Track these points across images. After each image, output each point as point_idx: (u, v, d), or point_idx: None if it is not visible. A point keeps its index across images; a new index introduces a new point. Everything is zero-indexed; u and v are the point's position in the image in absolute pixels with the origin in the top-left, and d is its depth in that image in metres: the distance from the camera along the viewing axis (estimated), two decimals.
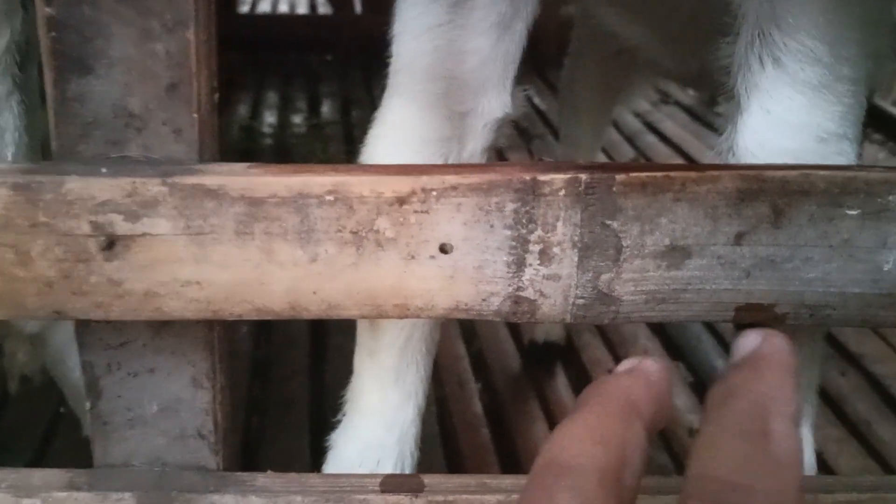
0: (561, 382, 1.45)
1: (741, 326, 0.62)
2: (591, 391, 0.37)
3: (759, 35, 0.57)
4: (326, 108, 2.64)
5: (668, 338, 1.56)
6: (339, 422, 0.75)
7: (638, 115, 2.48)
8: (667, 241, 0.50)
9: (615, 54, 1.17)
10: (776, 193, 0.50)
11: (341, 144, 2.38)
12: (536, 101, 2.57)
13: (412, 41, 0.64)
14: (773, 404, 0.34)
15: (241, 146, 2.32)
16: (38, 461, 1.26)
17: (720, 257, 0.51)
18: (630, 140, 2.39)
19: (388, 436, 0.71)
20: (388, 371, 0.71)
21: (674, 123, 2.50)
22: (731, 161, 0.60)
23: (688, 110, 2.60)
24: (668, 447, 1.32)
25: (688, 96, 2.63)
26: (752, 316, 0.53)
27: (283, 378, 1.46)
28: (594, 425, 0.34)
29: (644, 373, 0.38)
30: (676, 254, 0.51)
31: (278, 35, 3.05)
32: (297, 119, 2.57)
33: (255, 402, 1.38)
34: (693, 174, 0.49)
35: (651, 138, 2.41)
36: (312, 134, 2.44)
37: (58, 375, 0.93)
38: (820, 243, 0.51)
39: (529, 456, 1.33)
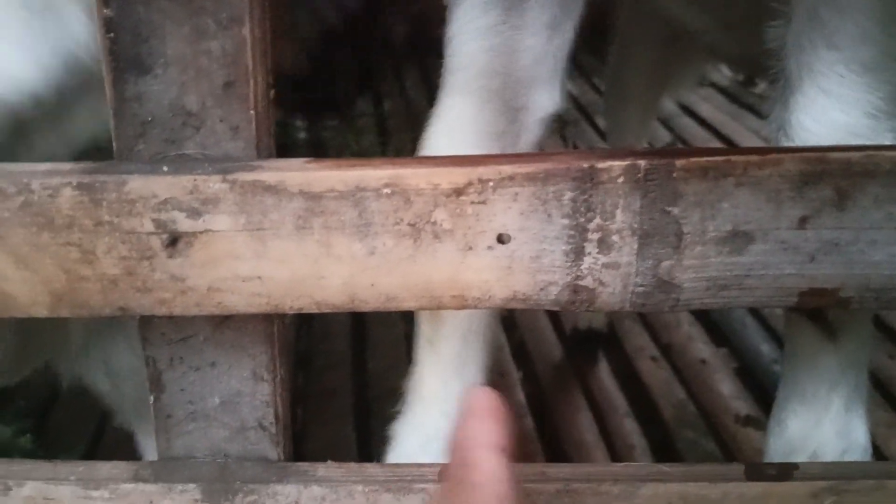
0: (604, 370, 1.45)
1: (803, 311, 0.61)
2: (451, 450, 0.42)
3: (813, 17, 0.57)
4: (359, 101, 2.65)
5: (712, 323, 1.55)
6: (395, 411, 0.75)
7: (674, 97, 2.44)
8: (729, 227, 0.50)
9: (666, 41, 1.16)
10: (840, 176, 0.49)
11: (374, 136, 2.39)
12: (569, 86, 2.55)
13: (469, 42, 0.66)
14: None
15: (275, 141, 2.33)
16: (88, 457, 1.29)
17: (783, 242, 0.50)
18: (665, 123, 2.36)
19: (449, 425, 0.72)
20: (449, 361, 0.71)
21: (710, 106, 2.46)
22: (783, 139, 0.60)
23: (724, 92, 2.56)
24: (716, 434, 1.30)
25: (724, 78, 2.58)
26: (815, 301, 0.52)
27: (324, 368, 1.47)
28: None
29: (481, 410, 0.42)
30: (739, 239, 0.50)
31: None
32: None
33: (297, 393, 1.39)
34: (755, 158, 0.48)
35: (687, 121, 2.37)
36: (345, 127, 2.44)
37: (95, 381, 0.94)
38: (886, 225, 0.50)
39: (574, 444, 1.33)
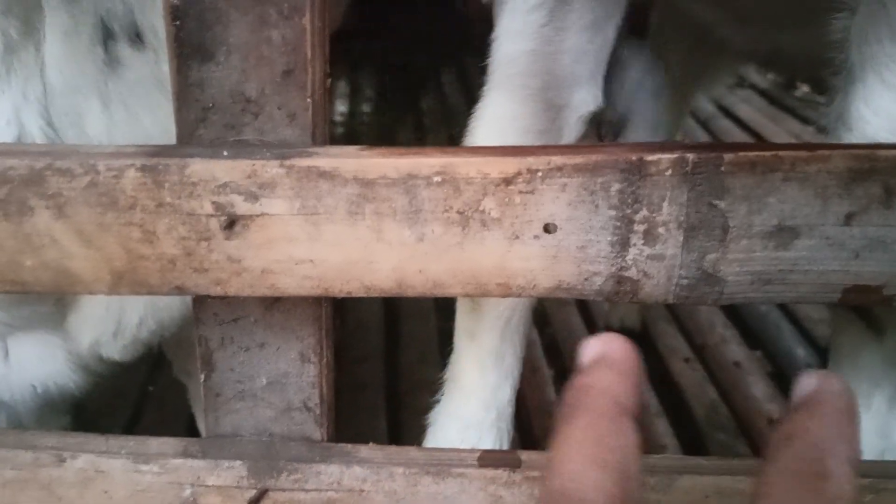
0: None
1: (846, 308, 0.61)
2: (576, 396, 0.36)
3: (880, 9, 0.58)
4: (395, 97, 2.67)
5: (747, 326, 1.54)
6: (434, 401, 0.77)
7: (712, 98, 2.43)
8: (775, 222, 0.50)
9: (698, 42, 1.16)
10: (888, 173, 0.49)
11: (410, 133, 2.41)
12: None
13: (513, 42, 0.68)
14: (831, 447, 0.35)
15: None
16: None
17: (829, 238, 0.50)
18: (704, 124, 2.35)
19: (486, 415, 0.73)
20: (488, 352, 0.73)
21: (749, 107, 2.44)
22: (841, 129, 0.60)
23: (764, 94, 2.54)
24: (748, 436, 1.30)
25: (764, 80, 2.56)
26: (859, 298, 0.52)
27: (356, 360, 1.49)
28: (593, 445, 0.34)
29: (617, 361, 0.37)
30: (784, 234, 0.50)
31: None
32: (367, 108, 2.61)
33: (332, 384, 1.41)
34: (803, 153, 0.49)
35: (725, 122, 2.36)
36: (382, 122, 2.47)
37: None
38: None
39: None
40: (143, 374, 1.46)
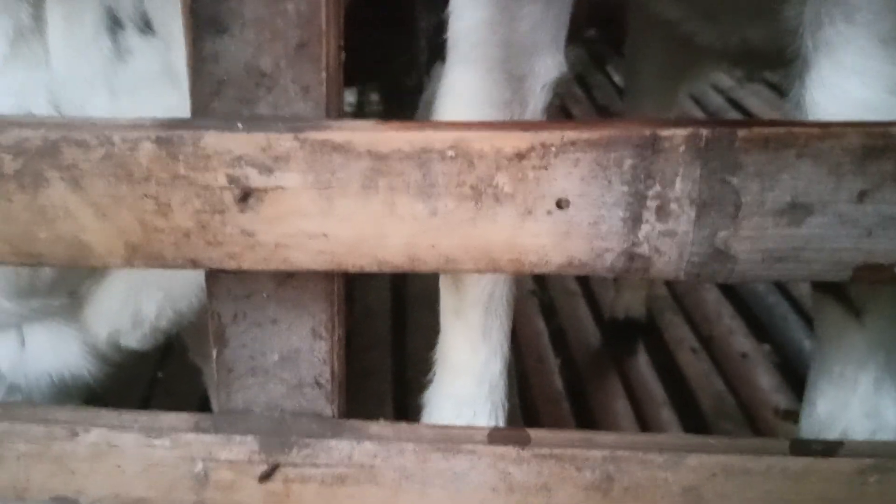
0: (642, 359, 1.45)
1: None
2: None
3: None
4: (375, 98, 2.66)
5: (754, 317, 1.53)
6: (428, 381, 0.77)
7: (721, 91, 2.42)
8: (788, 199, 0.50)
9: (674, 41, 1.15)
10: None
11: None
12: (616, 78, 2.55)
13: (468, 12, 0.66)
14: None
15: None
16: None
17: (842, 215, 0.50)
18: (713, 116, 2.34)
19: (479, 390, 0.73)
20: (474, 328, 0.73)
21: (759, 100, 2.42)
22: (797, 116, 0.60)
23: (774, 87, 2.53)
24: (754, 427, 1.30)
25: (774, 73, 2.55)
26: (871, 275, 0.52)
27: (364, 348, 1.50)
28: None
29: None
30: (797, 211, 0.50)
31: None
32: (375, 97, 2.60)
33: None
34: (817, 130, 0.49)
35: (734, 115, 2.35)
36: (391, 112, 2.46)
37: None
38: None
39: (610, 430, 1.34)
40: (154, 360, 1.46)
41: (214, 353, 0.60)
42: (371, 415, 1.36)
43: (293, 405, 0.62)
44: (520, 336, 1.47)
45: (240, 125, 0.51)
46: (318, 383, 0.61)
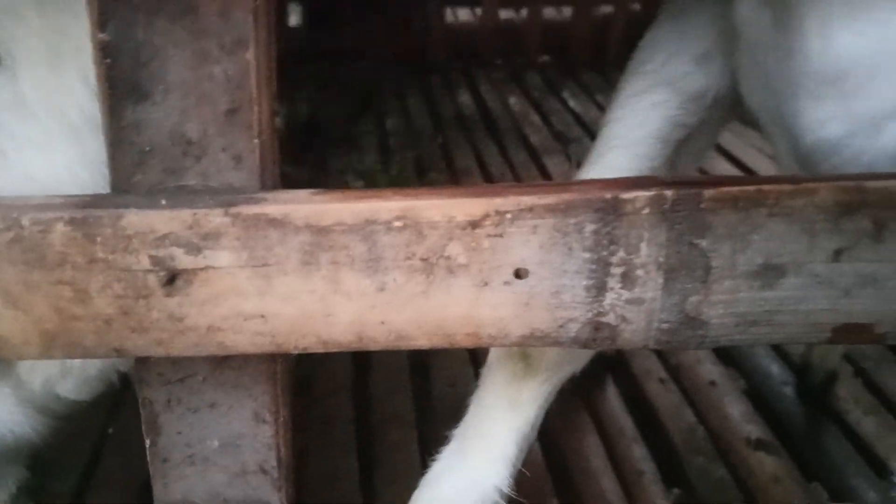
0: (611, 393, 1.42)
1: None
2: None
3: None
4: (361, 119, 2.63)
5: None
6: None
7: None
8: (760, 260, 0.47)
9: None
10: (878, 206, 0.46)
11: (376, 154, 2.37)
12: (572, 104, 2.54)
13: None
14: None
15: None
16: (86, 480, 1.26)
17: (817, 275, 0.48)
18: None
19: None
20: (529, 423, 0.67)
21: (731, 134, 2.42)
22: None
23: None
24: (726, 459, 1.27)
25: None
26: (850, 337, 0.49)
27: (325, 395, 1.44)
28: None
29: None
30: (770, 273, 0.47)
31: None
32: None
33: (296, 421, 1.36)
34: (788, 187, 0.46)
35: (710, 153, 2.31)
36: (348, 146, 2.42)
37: None
38: None
39: (581, 470, 1.30)
40: (103, 414, 1.39)
41: (148, 442, 0.55)
42: (335, 464, 1.31)
43: (237, 494, 0.56)
44: None
45: (163, 201, 0.46)
46: (263, 470, 0.56)
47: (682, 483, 1.25)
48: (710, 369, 1.46)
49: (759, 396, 1.40)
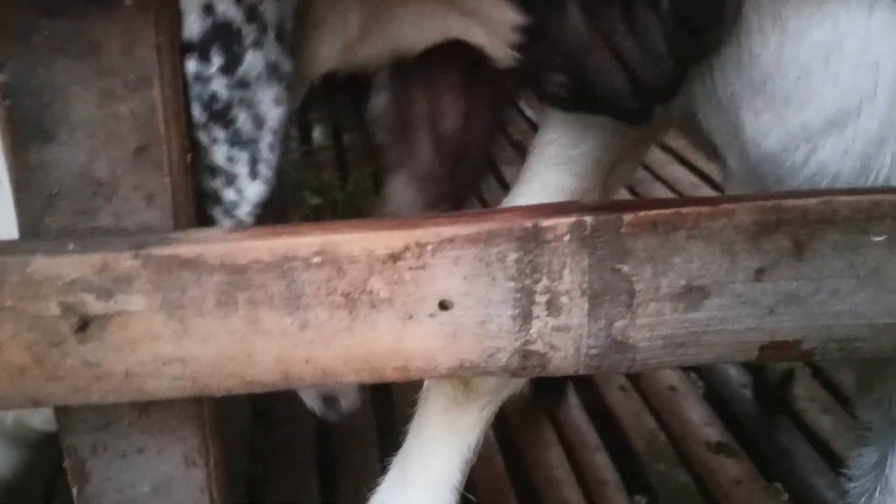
0: (573, 403, 1.42)
1: None
2: None
3: None
4: (317, 134, 2.61)
5: None
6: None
7: (669, 148, 2.35)
8: (682, 282, 0.47)
9: None
10: (796, 224, 0.46)
11: (334, 170, 2.35)
12: (529, 113, 2.54)
13: None
14: None
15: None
16: None
17: (741, 295, 0.47)
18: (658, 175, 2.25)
19: None
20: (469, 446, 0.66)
21: (698, 156, 2.41)
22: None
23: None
24: (688, 464, 1.28)
25: None
26: (778, 355, 0.49)
27: (285, 419, 1.42)
28: None
29: None
30: (694, 295, 0.47)
31: None
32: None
33: (257, 446, 1.34)
34: (706, 209, 0.46)
35: (677, 169, 2.26)
36: (304, 161, 2.40)
37: None
38: (846, 274, 0.47)
39: (545, 481, 1.29)
40: (58, 449, 1.35)
41: (75, 491, 0.53)
42: (296, 489, 1.28)
43: None
44: None
45: (71, 245, 0.45)
46: None
47: (645, 490, 1.25)
48: (669, 374, 1.47)
49: (718, 399, 1.41)
